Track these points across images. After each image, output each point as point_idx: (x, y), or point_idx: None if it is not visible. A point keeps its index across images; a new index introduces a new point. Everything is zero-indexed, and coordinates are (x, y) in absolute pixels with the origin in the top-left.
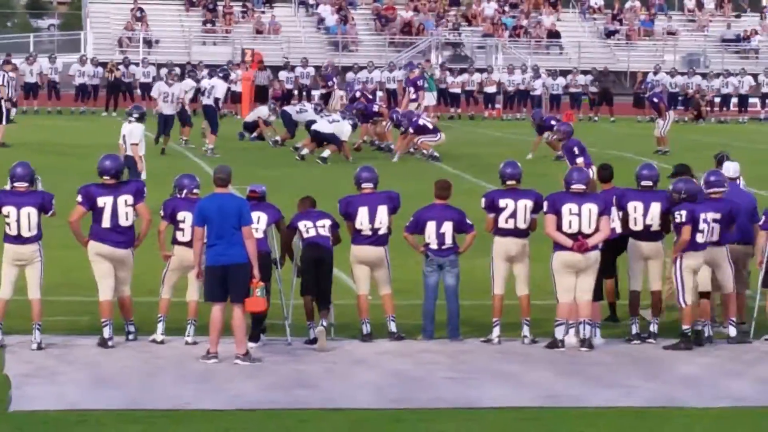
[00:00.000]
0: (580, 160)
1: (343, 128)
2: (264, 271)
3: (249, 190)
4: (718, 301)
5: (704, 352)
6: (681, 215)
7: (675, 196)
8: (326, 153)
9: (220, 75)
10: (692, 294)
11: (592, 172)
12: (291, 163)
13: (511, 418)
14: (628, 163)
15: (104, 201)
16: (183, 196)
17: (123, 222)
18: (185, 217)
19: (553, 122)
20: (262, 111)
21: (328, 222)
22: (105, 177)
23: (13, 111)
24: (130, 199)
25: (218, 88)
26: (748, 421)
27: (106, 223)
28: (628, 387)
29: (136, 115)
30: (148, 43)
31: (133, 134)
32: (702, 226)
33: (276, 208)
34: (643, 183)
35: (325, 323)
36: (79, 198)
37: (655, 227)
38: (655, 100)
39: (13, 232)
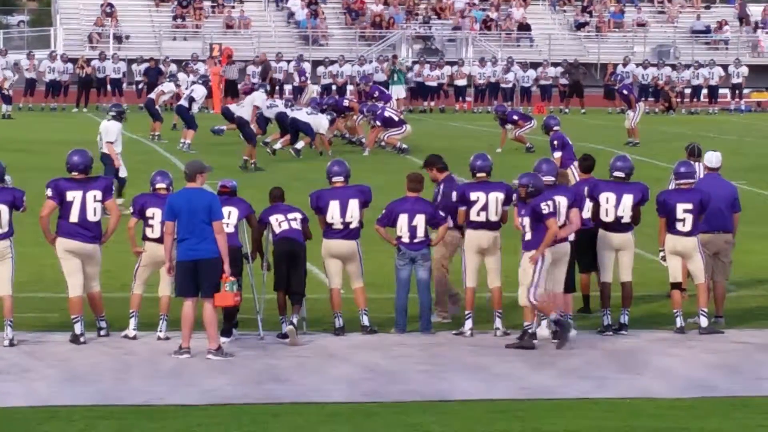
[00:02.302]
0: (557, 155)
1: (320, 121)
2: (235, 266)
3: (220, 185)
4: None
5: (677, 343)
6: (548, 206)
7: (522, 191)
8: (300, 144)
9: (200, 81)
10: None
11: (574, 168)
12: (262, 158)
13: (484, 410)
14: (599, 154)
15: (73, 195)
16: (152, 191)
17: (91, 217)
18: (154, 213)
19: (515, 116)
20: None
21: (299, 215)
22: (74, 172)
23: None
24: (98, 194)
25: (197, 91)
26: (719, 411)
27: (74, 218)
28: (601, 378)
29: (113, 113)
30: (119, 38)
31: (109, 132)
32: (681, 216)
33: (247, 203)
34: (616, 174)
35: (295, 319)
36: (49, 192)
37: (626, 219)
38: (625, 91)
39: None
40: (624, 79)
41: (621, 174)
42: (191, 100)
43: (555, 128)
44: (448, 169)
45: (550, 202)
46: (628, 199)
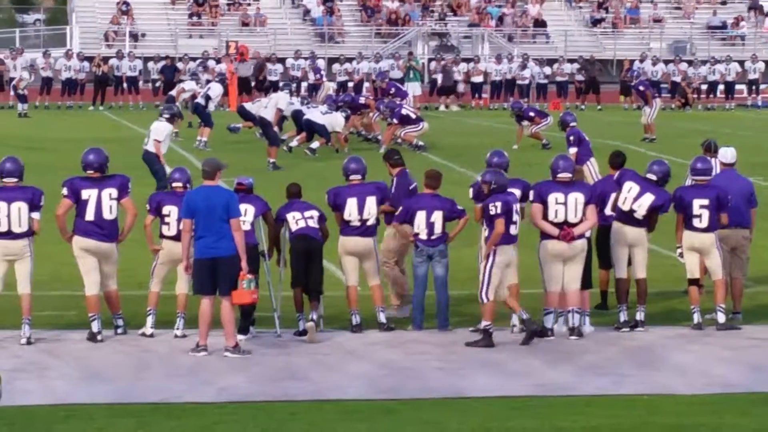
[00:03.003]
0: (572, 150)
1: (336, 120)
2: (252, 264)
3: (236, 182)
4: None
5: (694, 340)
6: (496, 207)
7: (485, 187)
8: (315, 144)
9: (217, 79)
10: (495, 290)
11: (590, 164)
12: (279, 155)
13: (501, 406)
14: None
15: (88, 194)
16: (169, 189)
17: (107, 215)
18: (170, 210)
19: (532, 113)
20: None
21: (315, 213)
22: (89, 171)
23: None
24: (114, 192)
25: (214, 89)
26: (737, 408)
27: (89, 216)
28: (618, 375)
29: (166, 115)
30: (134, 36)
31: (159, 131)
32: (698, 212)
33: (263, 201)
34: (649, 176)
35: (314, 316)
36: (65, 191)
37: (638, 215)
38: (642, 87)
39: (4, 227)
40: (640, 75)
41: (654, 177)
42: (207, 98)
43: (571, 124)
44: (403, 164)
45: (498, 203)
46: (647, 198)
